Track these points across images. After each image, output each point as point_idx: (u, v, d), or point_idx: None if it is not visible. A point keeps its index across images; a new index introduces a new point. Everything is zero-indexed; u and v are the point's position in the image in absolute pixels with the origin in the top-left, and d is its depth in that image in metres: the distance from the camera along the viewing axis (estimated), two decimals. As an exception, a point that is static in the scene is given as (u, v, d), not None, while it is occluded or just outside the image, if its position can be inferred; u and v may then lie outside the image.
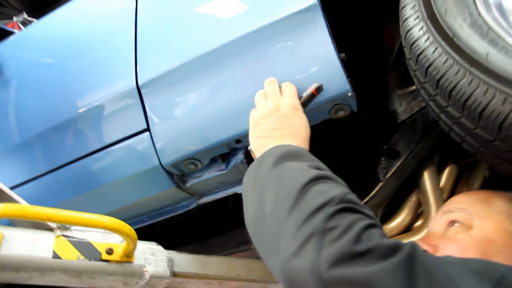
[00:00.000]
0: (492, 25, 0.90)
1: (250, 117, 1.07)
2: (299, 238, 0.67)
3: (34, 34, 1.69)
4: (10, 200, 1.14)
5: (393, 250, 0.63)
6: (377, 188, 1.37)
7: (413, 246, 0.65)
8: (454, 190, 1.50)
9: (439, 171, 1.49)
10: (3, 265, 1.05)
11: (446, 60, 0.89)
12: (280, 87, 1.09)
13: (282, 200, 0.75)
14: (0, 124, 1.56)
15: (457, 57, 0.87)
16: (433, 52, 0.92)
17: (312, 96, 1.09)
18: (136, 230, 1.47)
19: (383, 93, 1.48)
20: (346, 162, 1.45)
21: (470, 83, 0.85)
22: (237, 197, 1.40)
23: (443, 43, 0.90)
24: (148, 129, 1.28)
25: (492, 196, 1.05)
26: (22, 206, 1.00)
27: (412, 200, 1.48)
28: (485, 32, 0.88)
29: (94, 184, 1.38)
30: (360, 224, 0.67)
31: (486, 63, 0.84)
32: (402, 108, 1.45)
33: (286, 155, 0.87)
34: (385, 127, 1.44)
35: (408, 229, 1.49)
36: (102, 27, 1.48)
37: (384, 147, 1.41)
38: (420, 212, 1.50)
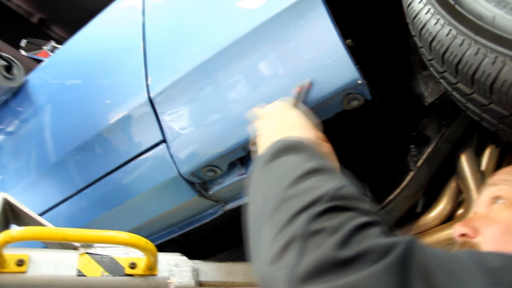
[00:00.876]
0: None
1: (256, 125, 1.00)
2: (278, 243, 0.58)
3: (56, 61, 1.76)
4: (36, 223, 1.18)
5: (387, 250, 0.52)
6: (408, 178, 1.29)
7: (409, 242, 0.53)
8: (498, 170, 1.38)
9: (479, 153, 1.38)
10: (31, 286, 1.08)
11: (449, 31, 0.81)
12: None
13: (269, 199, 0.67)
14: (28, 152, 1.62)
15: (460, 26, 0.79)
16: (435, 24, 0.84)
17: (299, 91, 1.04)
18: (169, 240, 1.49)
19: (407, 76, 1.39)
20: (372, 154, 1.38)
21: (476, 54, 0.77)
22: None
23: (444, 12, 0.82)
24: (164, 140, 1.28)
25: None
26: (39, 229, 1.03)
27: (451, 187, 1.38)
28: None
29: (120, 200, 1.40)
30: (350, 224, 0.56)
31: (492, 28, 0.75)
32: (429, 90, 1.35)
33: (284, 149, 0.78)
34: (412, 112, 1.35)
35: (449, 218, 1.39)
36: (113, 46, 1.52)
37: (413, 133, 1.32)
38: (461, 200, 1.40)
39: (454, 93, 0.89)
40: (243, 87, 1.16)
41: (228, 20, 1.19)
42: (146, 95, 1.29)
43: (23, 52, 2.04)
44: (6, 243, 1.01)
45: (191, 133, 1.23)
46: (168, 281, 1.15)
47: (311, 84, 1.05)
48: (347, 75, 1.04)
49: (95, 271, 1.12)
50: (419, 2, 0.88)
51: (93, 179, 1.42)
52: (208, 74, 1.20)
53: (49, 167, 1.52)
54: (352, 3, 1.31)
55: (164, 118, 1.27)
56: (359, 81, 1.04)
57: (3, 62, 1.76)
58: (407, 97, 1.37)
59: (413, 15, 0.90)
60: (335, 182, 0.65)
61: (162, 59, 1.31)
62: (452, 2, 0.81)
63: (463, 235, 0.86)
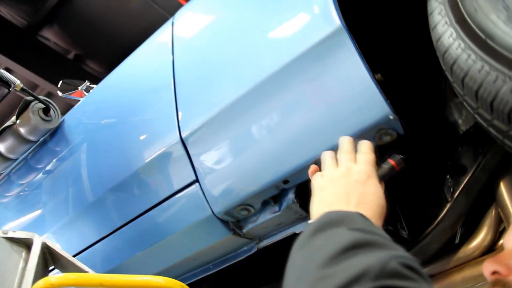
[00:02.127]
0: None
1: (316, 181, 0.93)
2: None
3: (90, 101, 1.81)
4: (73, 266, 1.20)
5: None
6: (445, 210, 1.25)
7: None
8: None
9: (519, 180, 1.33)
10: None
11: (482, 67, 0.79)
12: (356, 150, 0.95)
13: (303, 278, 0.59)
14: (65, 192, 1.67)
15: (493, 62, 0.78)
16: (466, 60, 0.82)
17: (391, 169, 0.93)
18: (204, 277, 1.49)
19: (439, 103, 1.37)
20: (408, 187, 1.35)
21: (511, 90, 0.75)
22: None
23: (475, 47, 0.81)
24: (197, 180, 1.29)
25: None
26: (76, 275, 1.04)
27: (491, 216, 1.33)
28: (525, 26, 0.78)
29: (154, 239, 1.41)
30: None
31: (527, 63, 0.73)
32: (463, 118, 1.32)
33: (335, 222, 0.69)
34: (447, 141, 1.32)
35: (491, 249, 1.34)
36: (145, 85, 1.54)
37: (448, 163, 1.29)
38: (502, 229, 1.35)
39: (490, 129, 0.86)
40: (274, 124, 1.16)
41: (257, 58, 1.20)
42: (178, 135, 1.31)
43: (59, 93, 2.11)
44: (47, 290, 1.03)
45: (224, 172, 1.24)
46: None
47: (401, 164, 0.96)
48: (378, 111, 1.03)
49: (132, 315, 1.12)
50: (449, 37, 0.87)
51: (127, 219, 1.44)
52: (238, 113, 1.20)
53: (85, 206, 1.55)
54: (380, 36, 1.30)
55: (196, 158, 1.28)
56: (391, 116, 1.02)
57: (41, 105, 1.82)
58: (440, 125, 1.35)
59: (443, 50, 0.88)
60: (382, 255, 0.55)
61: (192, 99, 1.33)
62: (483, 37, 0.80)
63: (495, 272, 0.82)
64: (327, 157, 0.95)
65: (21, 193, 1.91)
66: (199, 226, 1.32)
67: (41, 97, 1.82)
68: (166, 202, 1.36)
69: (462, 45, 0.84)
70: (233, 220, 1.30)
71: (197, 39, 1.43)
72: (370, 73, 1.04)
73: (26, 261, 1.21)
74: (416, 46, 1.34)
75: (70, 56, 5.26)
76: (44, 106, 1.83)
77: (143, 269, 1.46)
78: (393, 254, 0.54)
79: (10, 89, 1.75)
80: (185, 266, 1.47)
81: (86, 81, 2.08)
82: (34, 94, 1.79)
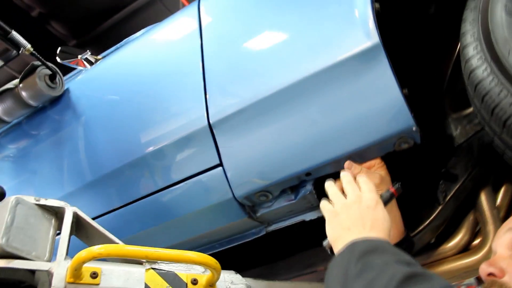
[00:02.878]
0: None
1: (325, 208, 1.07)
2: None
3: (104, 74, 1.82)
4: (107, 239, 1.26)
5: None
6: (437, 211, 1.43)
7: None
8: (510, 208, 1.54)
9: (495, 191, 1.54)
10: (104, 297, 1.16)
11: (512, 102, 0.95)
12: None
13: None
14: (75, 160, 1.69)
15: (524, 98, 0.94)
16: (499, 94, 0.98)
17: (391, 196, 1.12)
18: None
19: (439, 116, 1.54)
20: (408, 186, 1.51)
21: (538, 125, 0.91)
22: (303, 222, 1.47)
23: (508, 85, 0.96)
24: (221, 164, 1.38)
25: None
26: (121, 246, 1.11)
27: (469, 220, 1.54)
28: (548, 72, 0.94)
29: (170, 216, 1.48)
30: None
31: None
32: (458, 132, 1.50)
33: (369, 251, 0.82)
34: (443, 150, 1.49)
35: (466, 248, 1.54)
36: (170, 67, 1.58)
37: (443, 170, 1.46)
38: (477, 231, 1.55)
39: (508, 151, 1.03)
40: (303, 123, 1.27)
41: (295, 59, 1.29)
42: (206, 120, 1.38)
43: (58, 60, 2.08)
44: (91, 259, 1.09)
45: (250, 160, 1.33)
46: (226, 297, 1.25)
47: (399, 191, 1.15)
48: (403, 122, 1.17)
49: (161, 286, 1.21)
50: (483, 71, 1.02)
51: (143, 194, 1.50)
52: (270, 108, 1.30)
53: (102, 176, 1.59)
54: (406, 54, 1.44)
55: (222, 144, 1.37)
56: (414, 128, 1.17)
57: (48, 71, 1.81)
58: (438, 136, 1.52)
59: (476, 81, 1.03)
60: (437, 282, 0.67)
61: (224, 88, 1.40)
62: (516, 75, 0.95)
63: (490, 274, 0.98)
64: (331, 187, 1.10)
65: (16, 157, 1.90)
66: (217, 207, 1.41)
67: (49, 64, 1.81)
68: (186, 181, 1.43)
69: (496, 80, 0.99)
70: (250, 204, 1.41)
71: (230, 29, 1.48)
72: (400, 88, 1.17)
73: (55, 229, 1.25)
74: (429, 66, 1.50)
75: (34, 13, 5.03)
76: (51, 73, 1.82)
77: (152, 243, 1.53)
78: (442, 284, 0.66)
79: (20, 52, 1.73)
80: (192, 244, 1.56)
81: (87, 51, 2.07)
82: (42, 59, 1.78)
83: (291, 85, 1.27)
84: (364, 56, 1.20)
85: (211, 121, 1.38)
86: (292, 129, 1.28)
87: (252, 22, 1.44)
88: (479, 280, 1.04)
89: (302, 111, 1.27)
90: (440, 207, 1.43)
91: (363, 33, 1.20)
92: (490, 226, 1.47)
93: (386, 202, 1.09)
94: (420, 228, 1.45)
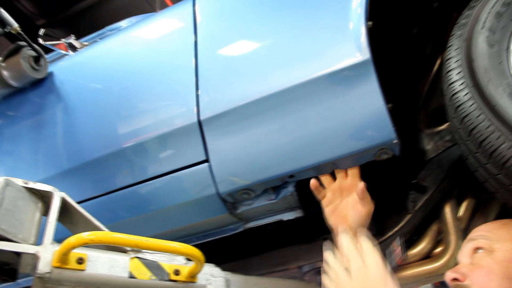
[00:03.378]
0: (527, 95, 1.05)
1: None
2: None
3: (94, 60, 1.82)
4: (93, 226, 1.28)
5: None
6: (406, 219, 1.53)
7: None
8: (471, 221, 1.66)
9: (458, 203, 1.65)
10: (88, 283, 1.19)
11: (489, 126, 1.05)
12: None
13: None
14: (60, 143, 1.68)
15: (498, 124, 1.03)
16: (477, 116, 1.07)
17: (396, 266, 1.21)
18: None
19: (413, 131, 1.64)
20: (381, 194, 1.60)
21: (509, 148, 1.01)
22: (278, 222, 1.54)
23: (486, 110, 1.06)
24: (207, 160, 1.42)
25: (508, 222, 1.21)
26: (111, 234, 1.14)
27: (433, 229, 1.65)
28: (522, 102, 1.04)
29: (153, 207, 1.51)
30: None
31: (524, 131, 1.00)
32: (430, 147, 1.61)
33: None
34: (414, 163, 1.59)
35: (428, 255, 1.65)
36: (162, 61, 1.61)
37: (413, 181, 1.56)
38: (439, 240, 1.67)
39: (480, 169, 1.13)
40: (291, 127, 1.33)
41: (288, 65, 1.35)
42: (196, 117, 1.42)
43: (41, 41, 2.06)
44: (81, 245, 1.11)
45: (236, 159, 1.38)
46: (205, 289, 1.31)
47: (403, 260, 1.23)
48: (386, 135, 1.25)
49: (144, 275, 1.25)
50: (465, 95, 1.11)
51: (128, 183, 1.52)
52: (261, 110, 1.35)
53: (85, 162, 1.59)
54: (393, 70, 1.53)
55: (210, 141, 1.41)
56: (395, 141, 1.26)
57: (33, 53, 1.79)
58: (411, 149, 1.62)
59: (458, 103, 1.12)
60: None
61: (216, 86, 1.44)
62: (493, 103, 1.05)
63: (454, 279, 1.14)
64: (331, 259, 1.13)
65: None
66: (200, 202, 1.45)
67: (35, 45, 1.79)
68: (172, 174, 1.47)
69: (476, 104, 1.08)
70: (232, 201, 1.46)
71: (226, 30, 1.52)
72: (385, 103, 1.26)
73: (41, 213, 1.26)
74: (409, 83, 1.60)
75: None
76: (36, 55, 1.80)
77: (131, 232, 1.55)
78: None
79: (5, 30, 1.70)
80: (170, 235, 1.58)
81: (72, 35, 2.06)
82: (29, 40, 1.76)
83: (283, 90, 1.33)
84: (354, 70, 1.27)
85: (201, 118, 1.42)
86: (279, 133, 1.34)
87: (249, 24, 1.49)
88: (446, 286, 1.17)
89: (291, 116, 1.33)
90: (409, 216, 1.53)
91: (356, 48, 1.28)
92: (452, 236, 1.58)
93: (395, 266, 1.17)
94: (390, 234, 1.54)
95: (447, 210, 1.61)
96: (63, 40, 2.04)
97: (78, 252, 1.18)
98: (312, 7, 1.39)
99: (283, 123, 1.34)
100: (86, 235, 1.11)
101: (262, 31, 1.45)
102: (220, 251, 1.81)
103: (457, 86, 1.15)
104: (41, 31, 2.08)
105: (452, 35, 1.26)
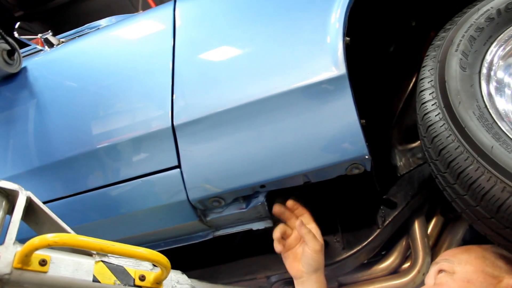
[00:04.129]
0: (497, 119, 1.08)
1: None
2: None
3: (69, 58, 1.79)
4: (58, 227, 1.25)
5: None
6: (375, 234, 1.54)
7: None
8: (439, 238, 1.69)
9: (427, 220, 1.68)
10: (50, 285, 1.16)
11: (458, 147, 1.07)
12: None
13: None
14: (30, 141, 1.65)
15: (467, 145, 1.05)
16: (447, 137, 1.09)
17: None
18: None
19: (386, 147, 1.66)
20: (351, 208, 1.62)
21: (476, 170, 1.03)
22: (247, 232, 1.54)
23: (456, 131, 1.08)
24: (179, 166, 1.41)
25: (471, 247, 1.34)
26: (76, 236, 1.11)
27: (402, 245, 1.67)
28: (490, 125, 1.06)
29: (121, 211, 1.49)
30: None
31: (490, 155, 1.02)
32: (402, 163, 1.64)
33: None
34: (386, 178, 1.61)
35: (395, 270, 1.67)
36: (138, 63, 1.59)
37: (384, 197, 1.58)
38: (407, 255, 1.69)
39: (448, 189, 1.15)
40: (264, 138, 1.33)
41: (263, 76, 1.36)
42: (170, 122, 1.41)
43: (16, 34, 2.02)
44: (45, 247, 1.09)
45: (208, 165, 1.37)
46: (171, 296, 1.29)
47: None
48: (358, 150, 1.26)
49: (109, 279, 1.22)
50: (436, 115, 1.13)
51: (97, 185, 1.50)
52: (235, 118, 1.35)
53: (54, 162, 1.55)
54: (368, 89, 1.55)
55: (183, 147, 1.40)
56: (367, 157, 1.27)
57: (6, 46, 1.76)
58: (383, 165, 1.64)
59: (429, 123, 1.15)
60: None
61: (192, 92, 1.42)
62: (463, 125, 1.07)
63: None
64: None
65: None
66: (170, 208, 1.44)
67: (9, 39, 1.75)
68: (142, 178, 1.45)
69: (446, 125, 1.10)
70: (202, 208, 1.45)
71: (205, 37, 1.52)
72: (359, 118, 1.27)
73: (5, 212, 1.23)
74: (383, 100, 1.62)
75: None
76: (10, 49, 1.76)
77: (98, 235, 1.52)
78: None
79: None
80: (139, 240, 1.57)
81: (49, 31, 2.02)
82: (2, 33, 1.72)
83: (258, 100, 1.33)
84: (330, 84, 1.28)
85: (175, 123, 1.41)
86: (253, 142, 1.34)
87: (228, 32, 1.49)
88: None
89: (264, 127, 1.33)
90: (378, 231, 1.54)
91: (332, 62, 1.29)
92: (420, 253, 1.61)
93: None
94: (358, 247, 1.55)
95: (416, 227, 1.63)
96: (40, 35, 2.00)
97: (41, 253, 1.15)
98: (292, 18, 1.40)
99: (256, 133, 1.34)
100: (50, 237, 1.09)
101: (240, 40, 1.46)
102: (189, 258, 1.80)
103: (429, 106, 1.17)
104: (17, 24, 2.03)
105: (427, 55, 1.29)
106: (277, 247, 1.41)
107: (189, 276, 1.44)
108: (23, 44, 2.08)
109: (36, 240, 1.08)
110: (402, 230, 1.65)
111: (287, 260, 1.43)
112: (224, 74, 1.42)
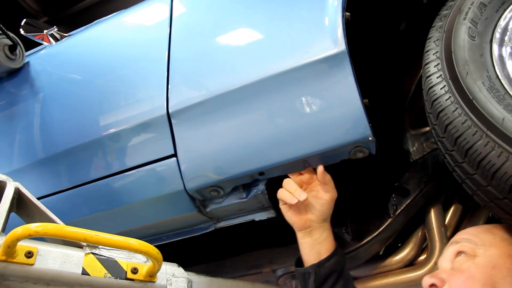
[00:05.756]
0: (509, 89, 0.97)
1: None
2: None
3: (68, 51, 1.77)
4: (47, 219, 1.21)
5: None
6: (386, 224, 1.45)
7: None
8: (458, 228, 1.57)
9: (445, 210, 1.57)
10: (36, 278, 1.11)
11: (465, 121, 0.97)
12: None
13: None
14: (28, 135, 1.63)
15: (475, 119, 0.95)
16: (454, 111, 0.99)
17: None
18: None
19: (398, 132, 1.56)
20: (359, 197, 1.52)
21: (485, 145, 0.93)
22: (252, 223, 1.47)
23: (463, 104, 0.98)
24: (175, 155, 1.35)
25: (495, 226, 1.14)
26: (60, 226, 1.07)
27: (418, 235, 1.56)
28: (502, 96, 0.96)
29: (119, 202, 1.45)
30: None
31: (501, 128, 0.91)
32: (415, 148, 1.53)
33: None
34: (398, 165, 1.51)
35: (411, 263, 1.56)
36: (135, 51, 1.55)
37: (396, 184, 1.48)
38: (424, 247, 1.58)
39: (457, 169, 1.05)
40: (262, 122, 1.26)
41: (260, 57, 1.28)
42: (165, 109, 1.36)
43: (22, 32, 2.01)
44: (27, 237, 1.04)
45: (205, 153, 1.31)
46: (165, 289, 1.23)
47: None
48: (361, 131, 1.17)
49: (99, 272, 1.17)
50: (441, 88, 1.03)
51: (93, 178, 1.46)
52: (231, 103, 1.28)
53: (49, 156, 1.53)
54: (371, 65, 1.46)
55: (179, 135, 1.34)
56: (370, 138, 1.17)
57: (8, 41, 1.74)
58: (395, 150, 1.54)
59: (434, 97, 1.04)
60: None
61: (187, 78, 1.38)
62: (470, 97, 0.97)
63: (432, 285, 1.05)
64: None
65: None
66: (167, 198, 1.38)
67: (11, 34, 1.74)
68: (139, 169, 1.40)
69: (452, 98, 1.00)
70: (201, 198, 1.38)
71: (200, 22, 1.46)
72: (361, 98, 1.18)
73: (-7, 202, 1.20)
74: (394, 81, 1.52)
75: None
76: (12, 44, 1.75)
77: (98, 228, 1.48)
78: None
79: (-20, 19, 1.65)
80: (139, 233, 1.52)
81: (54, 26, 2.01)
82: (4, 28, 1.71)
83: (253, 82, 1.26)
84: (329, 62, 1.20)
85: (170, 111, 1.35)
86: (249, 127, 1.27)
87: (223, 16, 1.43)
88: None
89: (261, 110, 1.26)
90: (389, 220, 1.45)
91: (331, 40, 1.21)
92: (437, 244, 1.50)
93: None
94: (368, 238, 1.46)
95: (432, 216, 1.53)
96: (45, 31, 1.99)
97: (28, 245, 1.11)
98: (288, -4, 1.32)
99: (252, 117, 1.27)
100: (33, 226, 1.04)
101: (236, 22, 1.39)
102: (194, 253, 1.74)
103: (434, 79, 1.07)
104: (23, 22, 2.03)
105: (433, 26, 1.19)
106: (302, 194, 1.24)
107: (194, 271, 1.38)
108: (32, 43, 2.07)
109: (19, 230, 1.04)
110: (418, 220, 1.55)
111: (288, 212, 1.30)
112: (220, 59, 1.36)
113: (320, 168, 1.25)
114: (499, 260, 1.01)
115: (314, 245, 1.28)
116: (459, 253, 1.09)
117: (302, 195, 1.23)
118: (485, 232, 1.11)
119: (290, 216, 1.30)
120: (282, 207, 1.31)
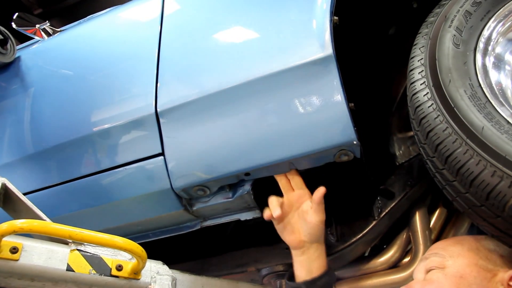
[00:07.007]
0: (490, 98, 0.99)
1: None
2: None
3: (59, 47, 1.77)
4: (33, 215, 1.22)
5: None
6: (371, 226, 1.46)
7: None
8: (442, 231, 1.59)
9: (430, 213, 1.58)
10: (21, 274, 1.13)
11: (446, 128, 0.98)
12: None
13: None
14: (17, 130, 1.63)
15: (456, 127, 0.97)
16: (435, 118, 1.01)
17: None
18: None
19: (385, 135, 1.58)
20: (344, 198, 1.54)
21: (465, 153, 0.94)
22: (238, 222, 1.48)
23: (444, 111, 0.99)
24: (162, 153, 1.36)
25: (463, 238, 1.25)
26: (45, 223, 1.08)
27: (402, 238, 1.58)
28: (483, 105, 0.97)
29: (106, 199, 1.45)
30: None
31: (481, 136, 0.93)
32: (401, 152, 1.55)
33: None
34: (384, 167, 1.53)
35: (395, 265, 1.58)
36: (126, 49, 1.56)
37: (381, 187, 1.50)
38: (408, 249, 1.60)
39: (437, 175, 1.06)
40: (248, 123, 1.27)
41: (249, 59, 1.29)
42: (153, 108, 1.36)
43: (14, 25, 2.01)
44: (12, 233, 1.05)
45: (192, 153, 1.32)
46: (149, 286, 1.24)
47: None
48: (346, 135, 1.19)
49: (84, 268, 1.18)
50: (424, 95, 1.05)
51: (80, 175, 1.47)
52: (219, 103, 1.29)
53: (37, 152, 1.54)
54: (357, 69, 1.47)
55: (166, 134, 1.35)
56: (355, 142, 1.19)
57: (-1, 36, 1.75)
58: (381, 153, 1.55)
59: (417, 104, 1.06)
60: None
61: (176, 78, 1.39)
62: (452, 105, 0.98)
63: None
64: None
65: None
66: (154, 197, 1.39)
67: (1, 28, 1.74)
68: (126, 166, 1.41)
69: (434, 105, 1.02)
70: (187, 197, 1.40)
71: (190, 22, 1.47)
72: (347, 101, 1.19)
73: (-23, 197, 1.21)
74: (382, 85, 1.53)
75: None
76: (2, 38, 1.75)
77: (85, 225, 1.49)
78: None
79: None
80: (126, 230, 1.53)
81: (46, 21, 2.00)
82: (-5, 23, 1.71)
83: (241, 84, 1.27)
84: (316, 66, 1.21)
85: (158, 110, 1.36)
86: (236, 128, 1.28)
87: (213, 18, 1.44)
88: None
89: (248, 111, 1.27)
90: (374, 222, 1.47)
91: (318, 43, 1.22)
92: (421, 246, 1.52)
93: None
94: (353, 240, 1.47)
95: (417, 219, 1.54)
96: (38, 25, 1.98)
97: (13, 241, 1.12)
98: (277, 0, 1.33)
99: (238, 119, 1.28)
100: (18, 223, 1.05)
101: (225, 24, 1.40)
102: (180, 250, 1.76)
103: (418, 86, 1.09)
104: (15, 15, 2.02)
105: (419, 33, 1.20)
106: (276, 210, 1.31)
107: (180, 269, 1.39)
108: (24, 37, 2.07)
109: (4, 226, 1.05)
110: (403, 223, 1.56)
111: (283, 232, 1.36)
112: (208, 60, 1.37)
113: (321, 191, 1.30)
114: (466, 269, 1.11)
115: (307, 263, 1.33)
116: (430, 268, 1.18)
117: (275, 212, 1.31)
118: (454, 244, 1.20)
119: (284, 236, 1.36)
120: (276, 227, 1.37)
